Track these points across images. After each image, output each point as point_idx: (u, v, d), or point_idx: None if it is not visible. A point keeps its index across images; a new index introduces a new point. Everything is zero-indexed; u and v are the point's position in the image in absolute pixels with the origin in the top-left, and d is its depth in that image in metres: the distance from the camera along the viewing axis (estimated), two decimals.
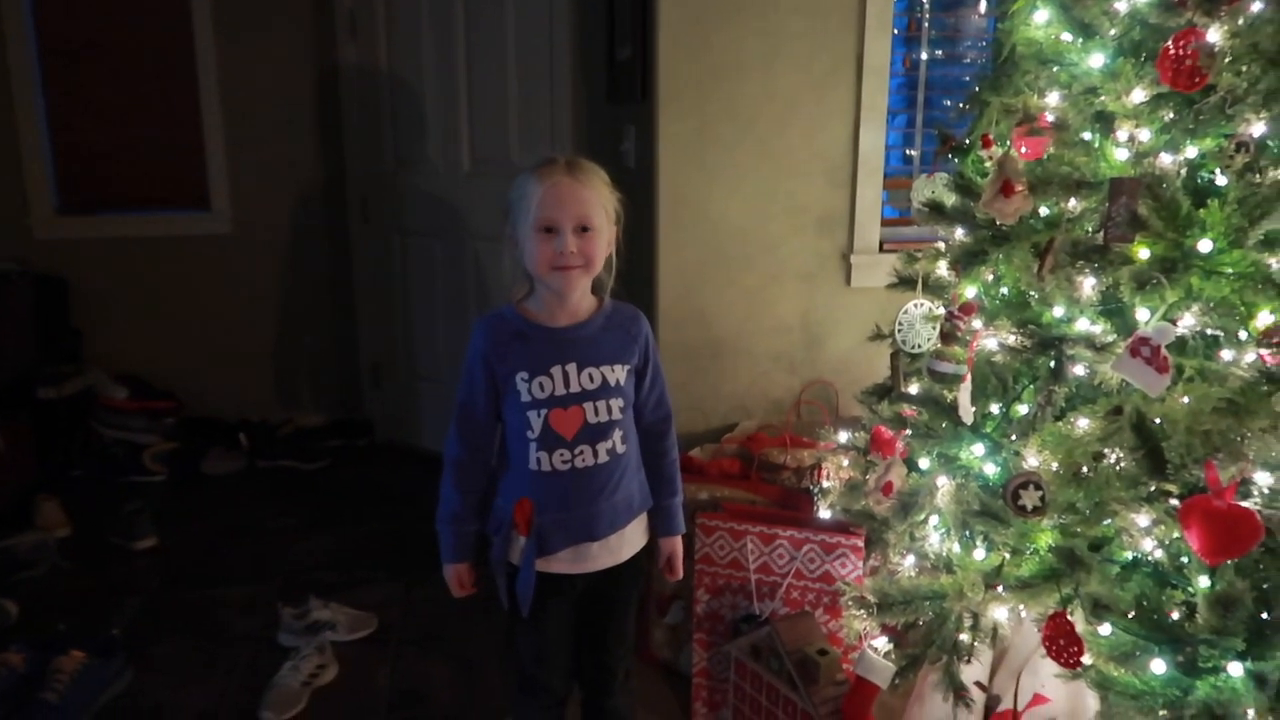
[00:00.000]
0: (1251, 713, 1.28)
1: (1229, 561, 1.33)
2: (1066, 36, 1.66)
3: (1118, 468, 1.44)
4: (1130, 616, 1.42)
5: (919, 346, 1.93)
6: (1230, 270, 1.34)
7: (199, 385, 3.85)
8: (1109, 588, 1.45)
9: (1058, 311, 1.62)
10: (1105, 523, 1.48)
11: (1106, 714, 1.36)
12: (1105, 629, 1.44)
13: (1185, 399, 1.40)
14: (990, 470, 1.68)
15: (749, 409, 2.69)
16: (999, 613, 1.62)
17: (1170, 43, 1.38)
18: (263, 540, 3.08)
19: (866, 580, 1.89)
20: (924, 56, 2.79)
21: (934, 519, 1.82)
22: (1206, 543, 1.29)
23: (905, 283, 2.02)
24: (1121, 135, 1.53)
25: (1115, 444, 1.45)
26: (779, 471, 2.32)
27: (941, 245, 1.94)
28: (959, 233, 1.84)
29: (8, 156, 3.61)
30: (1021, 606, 1.56)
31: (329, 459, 3.73)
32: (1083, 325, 1.58)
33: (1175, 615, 1.41)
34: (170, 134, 3.76)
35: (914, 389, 1.93)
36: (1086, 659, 1.40)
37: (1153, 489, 1.40)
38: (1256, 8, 1.36)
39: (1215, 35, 1.36)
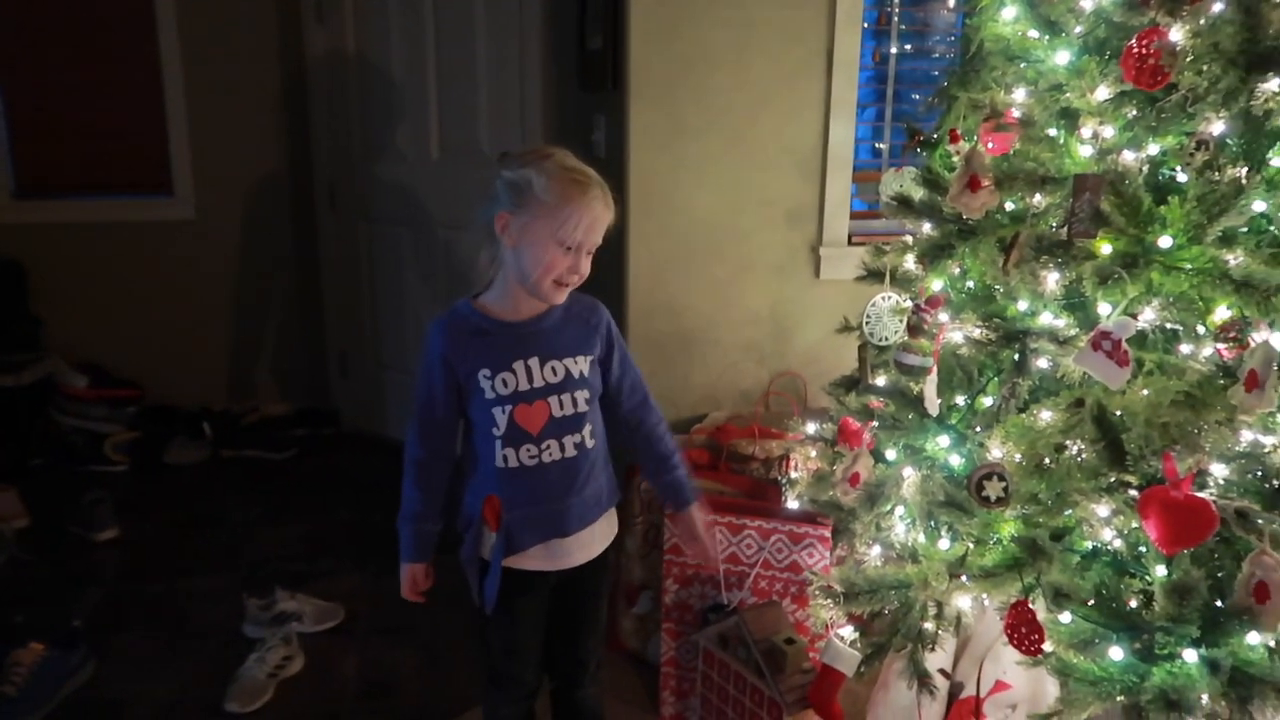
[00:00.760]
0: (1205, 698, 1.32)
1: (1185, 551, 1.36)
2: (1033, 33, 1.68)
3: (1079, 459, 1.47)
4: (1090, 605, 1.46)
5: (886, 339, 1.95)
6: (1189, 266, 1.37)
7: (161, 373, 3.78)
8: (1069, 577, 1.48)
9: (1022, 305, 1.65)
10: (1066, 513, 1.51)
11: (1066, 700, 1.39)
12: (1065, 617, 1.47)
13: (1145, 392, 1.43)
14: (955, 461, 1.70)
15: (718, 400, 2.70)
16: (963, 601, 1.65)
17: (1134, 41, 1.41)
18: (227, 530, 3.04)
19: (833, 570, 1.91)
20: (894, 50, 2.81)
21: (900, 509, 1.84)
22: (1164, 532, 1.32)
23: (873, 275, 2.05)
24: (1086, 132, 1.56)
25: (1077, 436, 1.47)
26: (747, 462, 2.33)
27: (909, 239, 1.96)
28: (926, 227, 1.86)
29: None
30: (984, 595, 1.59)
31: (294, 448, 3.68)
32: (1046, 319, 1.60)
33: (1133, 603, 1.45)
34: (132, 116, 3.67)
35: (881, 381, 1.95)
36: (1047, 646, 1.43)
37: (1113, 480, 1.43)
38: (1218, 8, 1.39)
39: (1178, 34, 1.39)
